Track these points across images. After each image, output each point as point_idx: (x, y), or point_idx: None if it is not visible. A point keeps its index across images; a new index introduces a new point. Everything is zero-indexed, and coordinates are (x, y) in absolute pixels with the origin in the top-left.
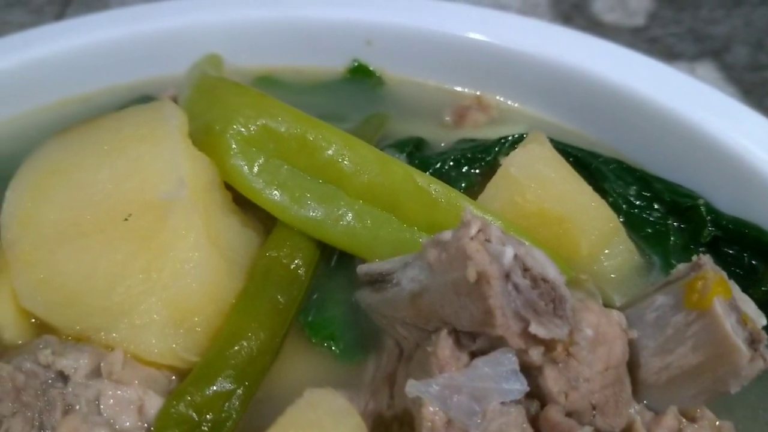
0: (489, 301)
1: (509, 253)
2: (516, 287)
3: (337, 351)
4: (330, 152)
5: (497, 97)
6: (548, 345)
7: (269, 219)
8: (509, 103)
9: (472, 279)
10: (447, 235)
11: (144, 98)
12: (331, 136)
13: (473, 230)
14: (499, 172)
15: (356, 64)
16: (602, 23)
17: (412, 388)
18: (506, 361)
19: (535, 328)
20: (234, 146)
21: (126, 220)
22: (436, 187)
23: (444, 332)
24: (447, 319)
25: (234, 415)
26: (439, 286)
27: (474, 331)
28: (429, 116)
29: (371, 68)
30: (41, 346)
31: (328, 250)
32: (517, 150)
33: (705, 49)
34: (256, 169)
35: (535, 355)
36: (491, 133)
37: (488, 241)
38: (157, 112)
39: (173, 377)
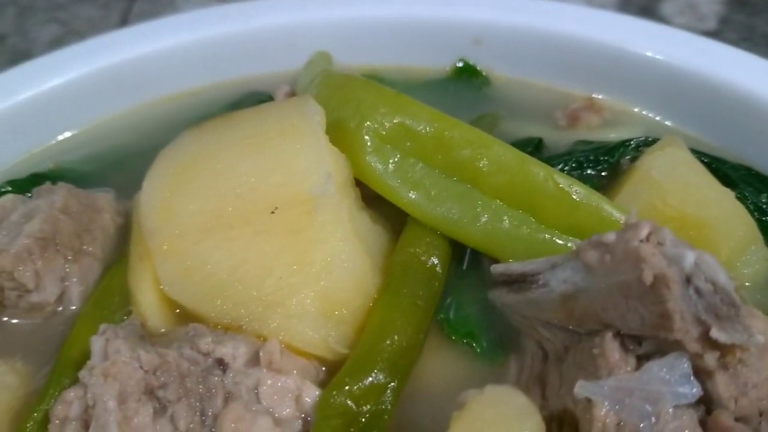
0: (667, 305)
1: (690, 256)
2: (698, 291)
3: (479, 349)
4: (467, 151)
5: (609, 99)
6: (724, 350)
7: (395, 216)
8: (622, 105)
9: (648, 282)
10: (610, 237)
11: (252, 94)
12: (468, 134)
13: (643, 233)
14: (639, 174)
15: (463, 63)
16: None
17: (582, 389)
18: (680, 365)
19: (716, 333)
20: (369, 143)
21: (272, 213)
22: (578, 189)
23: (609, 335)
24: (609, 322)
25: (389, 407)
26: (601, 289)
27: (642, 334)
28: (539, 117)
29: (478, 68)
30: (191, 334)
31: (459, 248)
32: (657, 153)
33: None
34: (391, 166)
35: (711, 360)
36: (606, 135)
37: (660, 244)
38: (299, 107)
39: (322, 368)
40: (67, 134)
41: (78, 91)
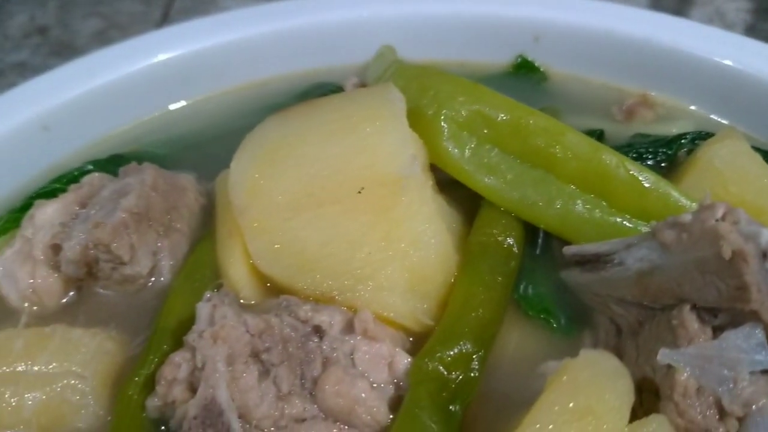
0: (745, 278)
1: (766, 234)
2: None
3: (555, 324)
4: (542, 138)
5: (662, 96)
6: None
7: (466, 202)
8: (674, 101)
9: (726, 257)
10: (687, 217)
11: (320, 85)
12: (544, 122)
13: (719, 213)
14: (701, 164)
15: (521, 59)
16: None
17: (665, 357)
18: (756, 334)
19: None
20: (446, 130)
21: (359, 192)
22: (648, 176)
23: (687, 307)
24: (685, 296)
25: (477, 375)
26: (677, 265)
27: (718, 306)
28: (596, 112)
29: (536, 64)
30: (284, 305)
31: (531, 231)
32: (719, 144)
33: None
34: (467, 152)
35: None
36: (661, 130)
37: (736, 223)
38: (382, 94)
39: (409, 339)
40: (144, 118)
41: (155, 77)
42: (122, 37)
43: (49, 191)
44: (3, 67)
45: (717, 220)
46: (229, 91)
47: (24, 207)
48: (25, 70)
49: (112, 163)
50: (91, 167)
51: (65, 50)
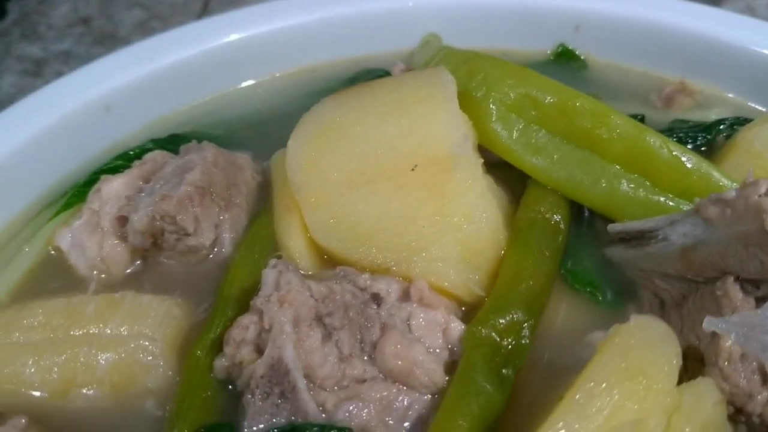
0: None
1: None
2: None
3: (600, 298)
4: (588, 120)
5: (701, 83)
6: None
7: (512, 183)
8: (712, 89)
9: None
10: (730, 194)
11: (368, 71)
12: (590, 105)
13: (762, 189)
14: (742, 146)
15: (562, 48)
16: None
17: (710, 324)
18: None
19: None
20: (494, 112)
21: (412, 170)
22: (690, 157)
23: (731, 279)
24: (728, 269)
25: (527, 342)
26: (721, 240)
27: (761, 278)
28: (635, 99)
29: (577, 52)
30: (341, 275)
31: (576, 209)
32: (759, 128)
33: None
34: (515, 133)
35: None
36: (699, 116)
37: None
38: (434, 77)
39: (461, 308)
40: (199, 101)
41: (209, 62)
42: (163, 28)
43: (113, 167)
44: (47, 56)
45: (760, 196)
46: (279, 77)
47: (89, 182)
48: (70, 59)
49: (171, 142)
50: (151, 146)
51: (108, 40)
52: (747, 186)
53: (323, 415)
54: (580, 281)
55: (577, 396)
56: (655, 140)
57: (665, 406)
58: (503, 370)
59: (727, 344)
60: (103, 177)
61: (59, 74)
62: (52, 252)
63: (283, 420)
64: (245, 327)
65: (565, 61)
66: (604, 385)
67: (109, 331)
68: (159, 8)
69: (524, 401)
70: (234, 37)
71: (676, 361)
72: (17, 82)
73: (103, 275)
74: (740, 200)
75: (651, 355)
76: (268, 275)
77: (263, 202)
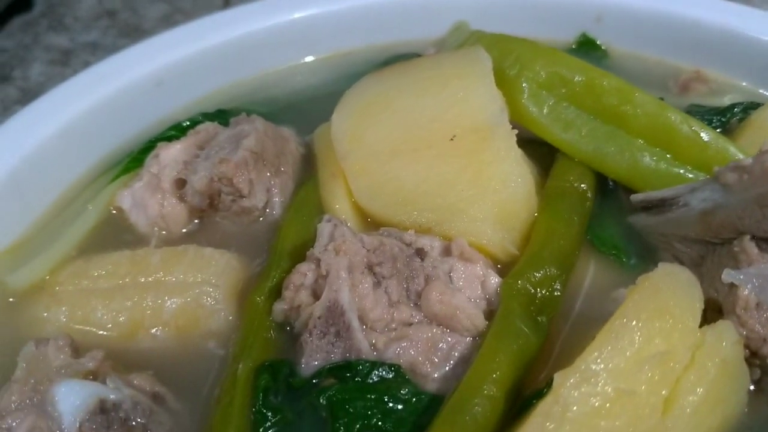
0: None
1: None
2: None
3: (624, 260)
4: (614, 97)
5: (715, 71)
6: None
7: (541, 158)
8: (726, 77)
9: None
10: (748, 160)
11: (399, 56)
12: (616, 83)
13: None
14: (756, 125)
15: (583, 37)
16: None
17: (728, 276)
18: None
19: None
20: (526, 89)
21: (451, 140)
22: (708, 132)
23: (747, 237)
24: (744, 229)
25: (559, 295)
26: (738, 202)
27: None
28: (654, 85)
29: (598, 42)
30: (386, 235)
31: (601, 180)
32: None
33: None
34: (546, 109)
35: None
36: (714, 102)
37: None
38: (472, 54)
39: (497, 266)
40: (244, 79)
41: (251, 44)
42: (186, 22)
43: (168, 137)
44: (75, 47)
45: None
46: (316, 60)
47: (145, 149)
48: (97, 50)
49: (218, 117)
50: (201, 118)
51: (133, 32)
52: (764, 153)
53: (374, 353)
54: (605, 245)
55: (611, 331)
56: (676, 117)
57: (689, 343)
58: (538, 318)
59: (744, 293)
60: (159, 144)
61: (86, 64)
62: (113, 211)
63: (338, 357)
64: (304, 273)
65: (586, 51)
66: (634, 322)
67: (174, 279)
68: (182, 2)
69: (556, 347)
70: (273, 21)
71: (699, 305)
72: (45, 71)
73: (163, 232)
74: (757, 165)
75: (677, 298)
76: (324, 228)
77: (307, 172)
